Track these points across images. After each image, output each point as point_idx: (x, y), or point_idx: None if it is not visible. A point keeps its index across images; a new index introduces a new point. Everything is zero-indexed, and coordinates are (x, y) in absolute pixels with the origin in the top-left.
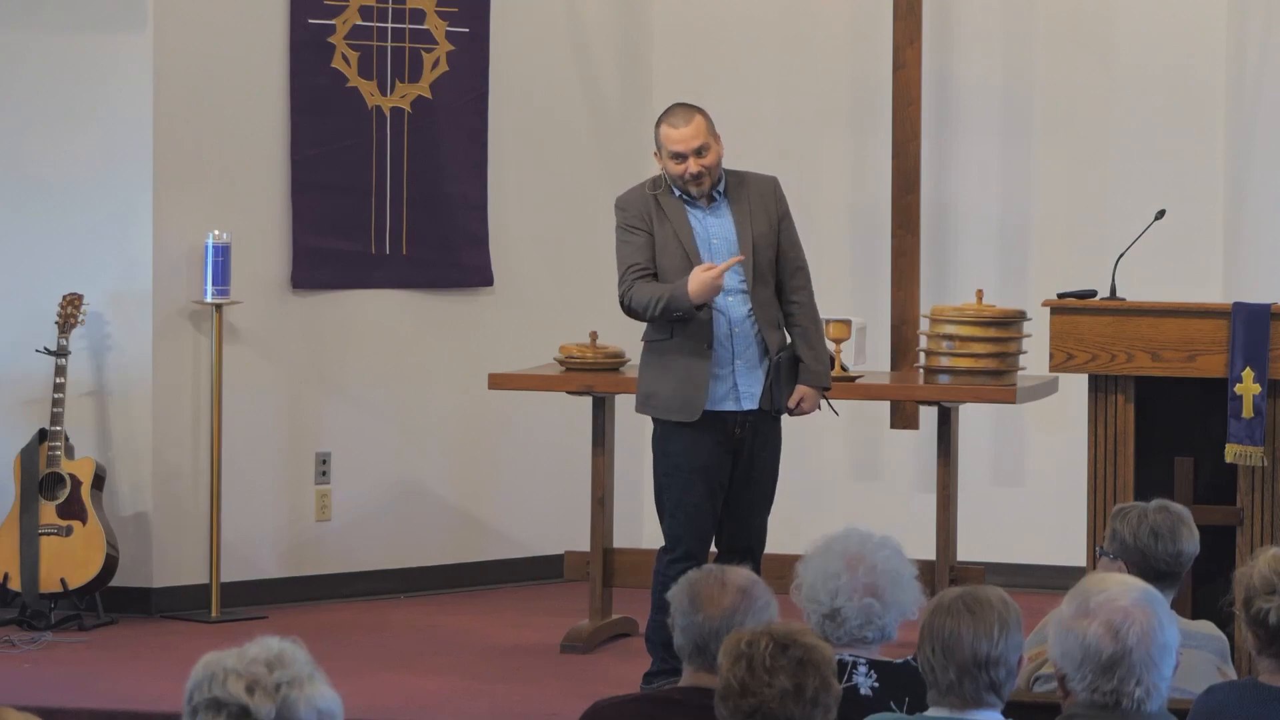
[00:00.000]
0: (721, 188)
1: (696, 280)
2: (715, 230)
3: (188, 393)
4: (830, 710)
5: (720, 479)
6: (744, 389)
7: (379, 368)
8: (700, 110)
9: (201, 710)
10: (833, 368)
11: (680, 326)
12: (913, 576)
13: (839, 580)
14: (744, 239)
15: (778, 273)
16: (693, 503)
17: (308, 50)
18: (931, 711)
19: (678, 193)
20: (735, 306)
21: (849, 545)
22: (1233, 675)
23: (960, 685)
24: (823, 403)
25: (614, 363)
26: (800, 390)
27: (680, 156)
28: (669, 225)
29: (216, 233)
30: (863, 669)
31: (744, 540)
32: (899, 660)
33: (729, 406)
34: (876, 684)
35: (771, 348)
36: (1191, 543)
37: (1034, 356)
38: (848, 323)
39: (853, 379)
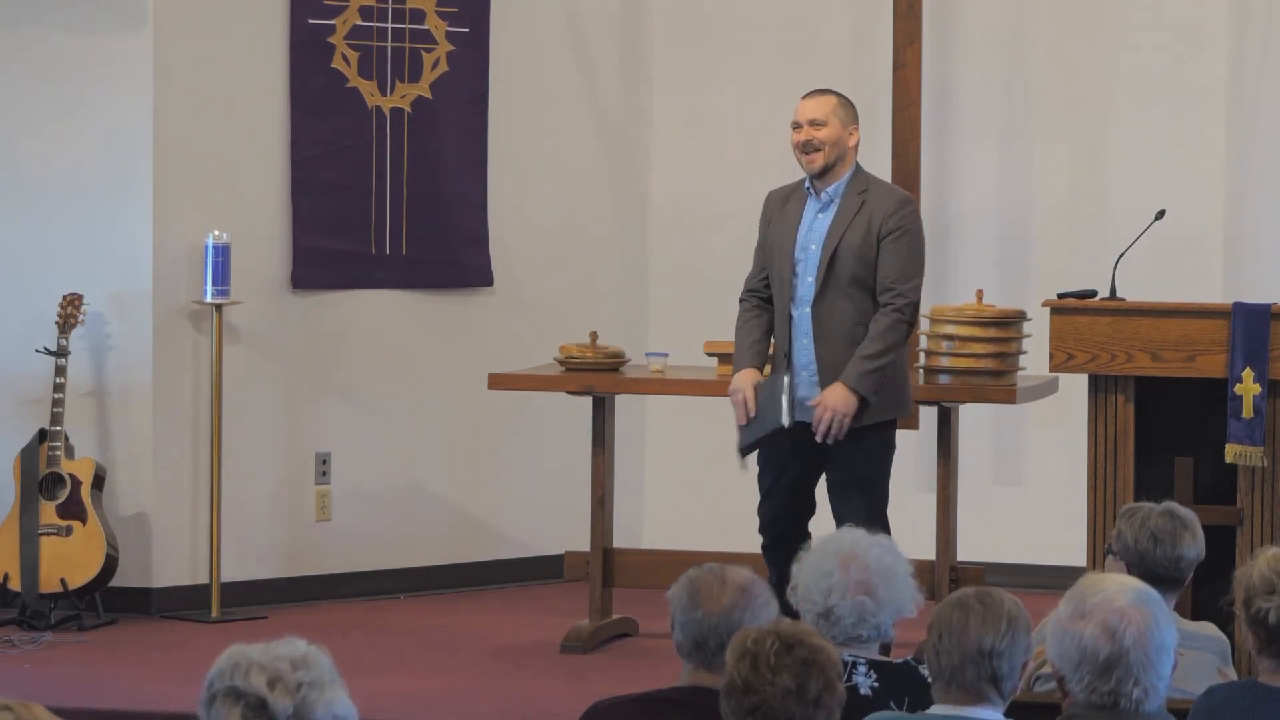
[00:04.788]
0: (842, 186)
1: (733, 387)
2: (817, 228)
3: (188, 393)
4: (834, 712)
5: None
6: (785, 403)
7: (379, 368)
8: (839, 95)
9: (220, 698)
10: None
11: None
12: (907, 574)
13: (831, 579)
14: (829, 244)
15: (874, 289)
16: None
17: (308, 50)
18: (934, 709)
19: (808, 185)
20: (800, 319)
21: (842, 544)
22: (1233, 676)
23: (962, 671)
24: (747, 460)
25: (614, 363)
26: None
27: (797, 125)
28: (787, 221)
29: (216, 233)
30: (862, 668)
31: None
32: (899, 660)
33: (800, 417)
34: (876, 684)
35: (830, 362)
36: (1193, 549)
37: (1034, 356)
38: None
39: None
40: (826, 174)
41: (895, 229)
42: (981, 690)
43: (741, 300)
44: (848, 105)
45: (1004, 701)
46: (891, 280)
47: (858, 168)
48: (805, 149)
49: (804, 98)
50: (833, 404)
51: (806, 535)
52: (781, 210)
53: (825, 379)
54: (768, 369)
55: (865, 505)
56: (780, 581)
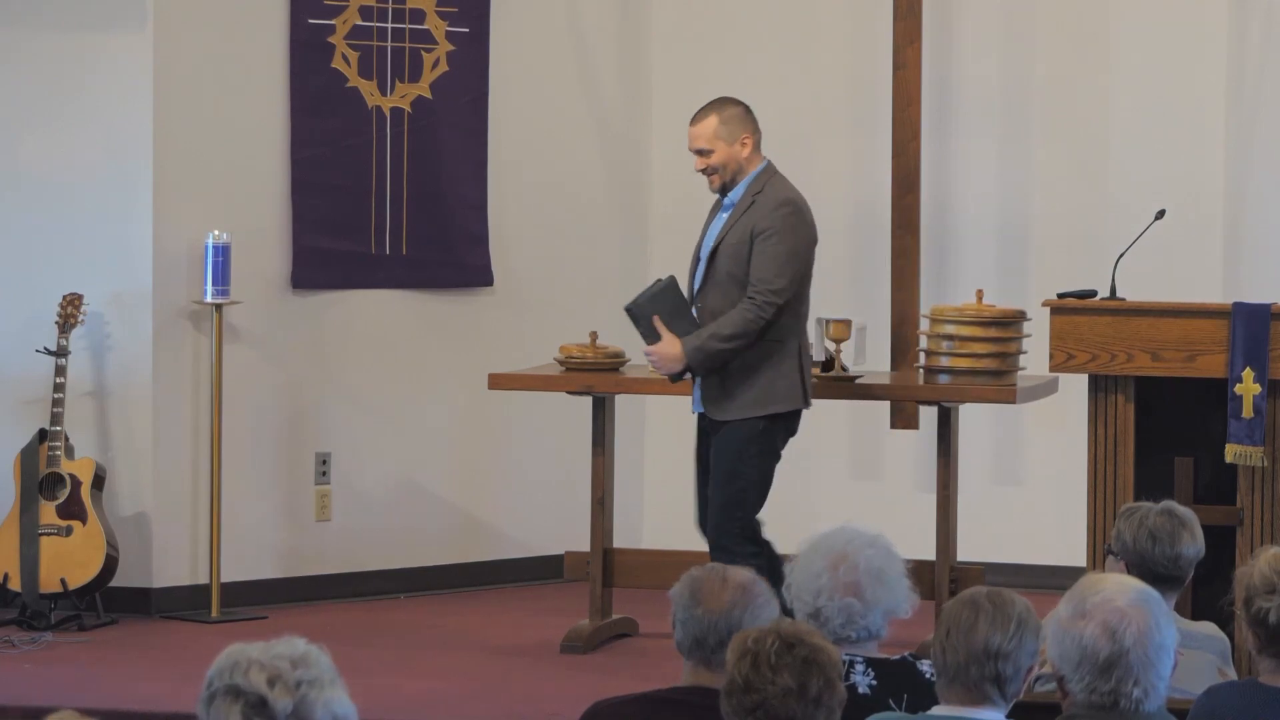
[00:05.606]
0: (740, 190)
1: None
2: (713, 230)
3: (188, 393)
4: (834, 712)
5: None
6: (696, 393)
7: (379, 368)
8: (719, 111)
9: (219, 696)
10: (832, 368)
11: None
12: (900, 575)
13: (821, 580)
14: (714, 242)
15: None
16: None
17: (308, 50)
18: (935, 709)
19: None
20: (695, 313)
21: (834, 544)
22: (1233, 676)
23: (966, 670)
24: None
25: (614, 363)
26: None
27: (692, 153)
28: (706, 223)
29: (216, 233)
30: (860, 667)
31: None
32: (897, 657)
33: (696, 409)
34: (875, 682)
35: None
36: (1192, 547)
37: (1034, 356)
38: (848, 323)
39: (853, 379)
40: (730, 187)
41: (766, 229)
42: (984, 691)
43: None
44: (730, 118)
45: (1007, 704)
46: (756, 277)
47: (763, 168)
48: (705, 174)
49: (690, 123)
50: (658, 351)
51: None
52: (710, 213)
53: (651, 298)
54: None
55: (724, 498)
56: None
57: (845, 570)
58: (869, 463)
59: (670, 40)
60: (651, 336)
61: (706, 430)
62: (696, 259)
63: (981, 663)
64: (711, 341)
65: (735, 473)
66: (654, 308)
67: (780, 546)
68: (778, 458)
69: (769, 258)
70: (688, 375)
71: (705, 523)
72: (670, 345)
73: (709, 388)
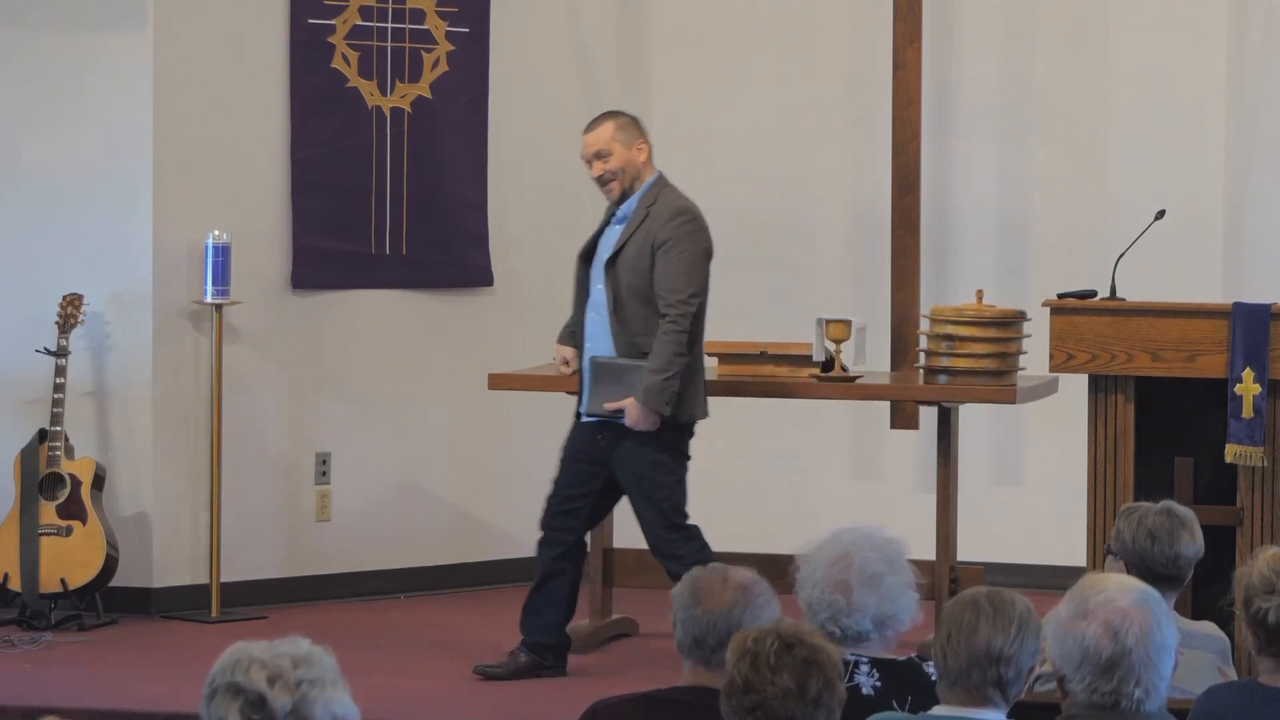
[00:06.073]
0: (634, 202)
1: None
2: (606, 241)
3: (188, 393)
4: (833, 712)
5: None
6: (585, 396)
7: (379, 368)
8: (615, 117)
9: (220, 693)
10: (832, 368)
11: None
12: (904, 586)
13: (818, 572)
14: (612, 255)
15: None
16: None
17: (308, 50)
18: (936, 710)
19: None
20: (595, 327)
21: (844, 540)
22: (1233, 676)
23: (968, 674)
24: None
25: None
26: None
27: (586, 161)
28: (598, 230)
29: (216, 233)
30: (865, 668)
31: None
32: (902, 658)
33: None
34: (879, 683)
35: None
36: (1191, 547)
37: (1034, 356)
38: (848, 323)
39: (853, 379)
40: (626, 196)
41: (665, 240)
42: (986, 693)
43: None
44: (626, 124)
45: (1007, 704)
46: (665, 290)
47: (655, 179)
48: (601, 183)
49: (585, 131)
50: (632, 420)
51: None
52: (601, 221)
53: (594, 380)
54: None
55: (655, 514)
56: None
57: (840, 568)
58: (869, 463)
59: (670, 40)
60: (617, 416)
61: (596, 438)
62: (585, 264)
63: (984, 667)
64: (654, 378)
65: (657, 485)
66: (601, 393)
67: (781, 547)
68: (689, 458)
69: (673, 269)
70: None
71: (550, 523)
72: (633, 411)
73: (611, 396)
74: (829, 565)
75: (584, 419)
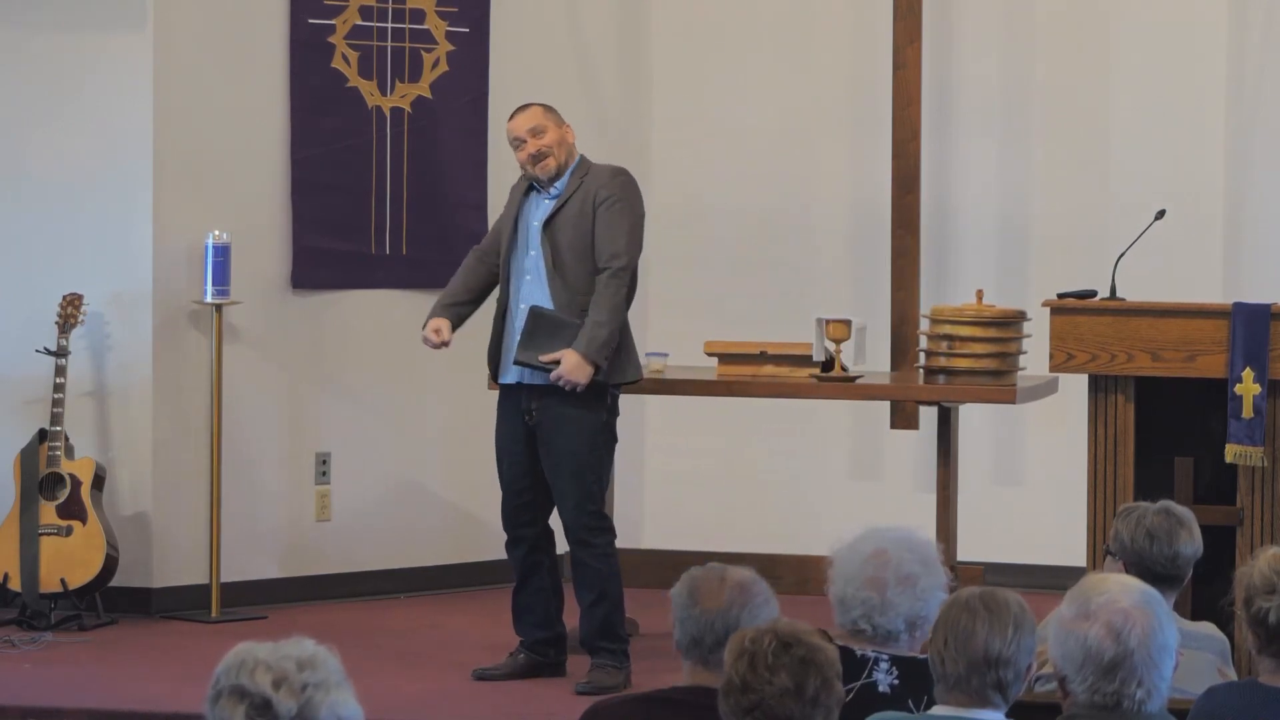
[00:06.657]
0: (566, 178)
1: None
2: (535, 212)
3: (188, 393)
4: (831, 712)
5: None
6: (511, 361)
7: (379, 368)
8: (540, 104)
9: (225, 695)
10: (832, 368)
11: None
12: (935, 587)
13: (852, 567)
14: (548, 219)
15: (595, 260)
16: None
17: (308, 50)
18: (936, 710)
19: (536, 187)
20: (530, 289)
21: (883, 538)
22: (1233, 676)
23: (968, 680)
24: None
25: None
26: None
27: (519, 142)
28: (514, 202)
29: (216, 233)
30: (884, 665)
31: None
32: (923, 656)
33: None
34: (897, 680)
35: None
36: (1190, 546)
37: (1034, 356)
38: (848, 323)
39: (853, 379)
40: (559, 174)
41: (608, 197)
42: (986, 695)
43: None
44: (551, 109)
45: (1007, 704)
46: (608, 250)
47: (581, 159)
48: (536, 160)
49: (510, 120)
50: (564, 372)
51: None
52: (512, 198)
53: (530, 330)
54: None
55: (578, 493)
56: None
57: (876, 566)
58: (869, 463)
59: (670, 40)
60: (550, 366)
61: (523, 412)
62: (509, 243)
63: (983, 671)
64: (598, 330)
65: (586, 464)
66: (536, 344)
67: (781, 547)
68: (616, 441)
69: (615, 227)
70: (601, 374)
71: (510, 522)
72: (569, 359)
73: (546, 349)
74: (866, 561)
75: (504, 382)
